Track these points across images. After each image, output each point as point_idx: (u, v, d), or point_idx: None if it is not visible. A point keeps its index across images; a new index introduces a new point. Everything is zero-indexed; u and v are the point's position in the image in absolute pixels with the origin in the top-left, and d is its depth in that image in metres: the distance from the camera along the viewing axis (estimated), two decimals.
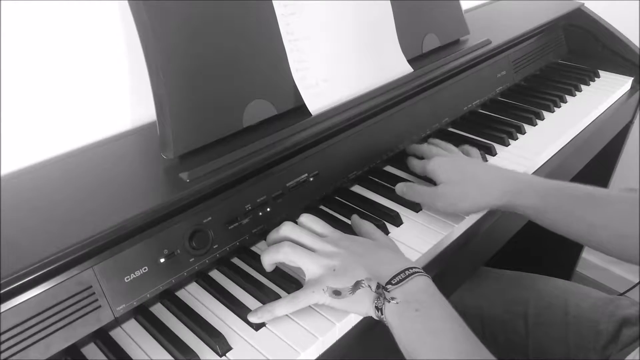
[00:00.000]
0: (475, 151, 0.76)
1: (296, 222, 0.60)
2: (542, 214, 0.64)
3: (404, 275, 0.51)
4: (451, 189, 0.66)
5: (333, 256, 0.54)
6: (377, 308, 0.51)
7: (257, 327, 0.53)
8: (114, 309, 0.51)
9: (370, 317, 0.53)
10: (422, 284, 0.52)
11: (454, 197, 0.66)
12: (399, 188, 0.71)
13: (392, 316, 0.50)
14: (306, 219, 0.60)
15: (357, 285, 0.52)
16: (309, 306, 0.54)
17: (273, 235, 0.59)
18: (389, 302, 0.50)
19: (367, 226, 0.62)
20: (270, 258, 0.56)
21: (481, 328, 0.82)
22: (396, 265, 0.53)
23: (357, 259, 0.54)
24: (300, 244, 0.56)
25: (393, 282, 0.51)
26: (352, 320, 0.55)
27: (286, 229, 0.58)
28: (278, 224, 0.63)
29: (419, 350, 0.48)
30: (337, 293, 0.52)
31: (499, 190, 0.64)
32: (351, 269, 0.53)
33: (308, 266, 0.54)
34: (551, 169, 0.83)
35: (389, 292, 0.50)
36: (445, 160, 0.69)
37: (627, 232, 0.59)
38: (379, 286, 0.51)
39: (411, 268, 0.52)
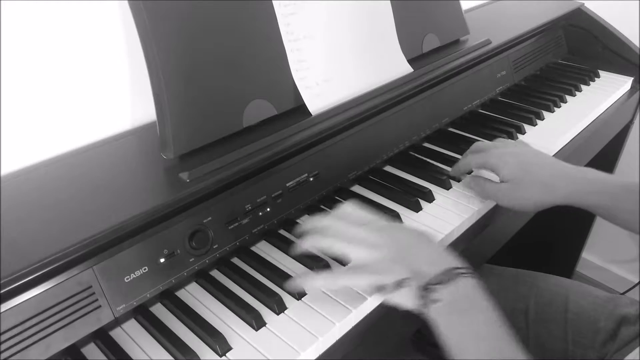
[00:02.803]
0: None
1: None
2: (614, 213, 0.63)
3: (448, 276, 0.50)
4: (514, 188, 0.65)
5: (376, 247, 0.53)
6: (421, 306, 0.51)
7: (258, 326, 0.53)
8: (114, 309, 0.51)
9: (371, 316, 0.53)
10: (468, 285, 0.51)
11: (517, 196, 0.65)
12: (467, 182, 0.73)
13: (437, 316, 0.50)
14: (350, 205, 0.59)
15: (399, 283, 0.51)
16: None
17: (314, 222, 0.57)
18: (433, 303, 0.50)
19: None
20: (313, 242, 0.55)
21: None
22: (440, 265, 0.51)
23: (400, 254, 0.53)
24: (344, 234, 0.55)
25: (437, 283, 0.50)
26: (352, 320, 0.55)
27: (329, 219, 0.57)
28: (278, 224, 0.63)
29: (463, 352, 0.48)
30: (380, 289, 0.52)
31: (565, 190, 0.64)
32: (394, 267, 0.52)
33: (351, 256, 0.54)
34: None
35: (432, 293, 0.50)
36: (507, 153, 0.67)
37: None
38: (421, 287, 0.50)
39: (456, 268, 0.51)
